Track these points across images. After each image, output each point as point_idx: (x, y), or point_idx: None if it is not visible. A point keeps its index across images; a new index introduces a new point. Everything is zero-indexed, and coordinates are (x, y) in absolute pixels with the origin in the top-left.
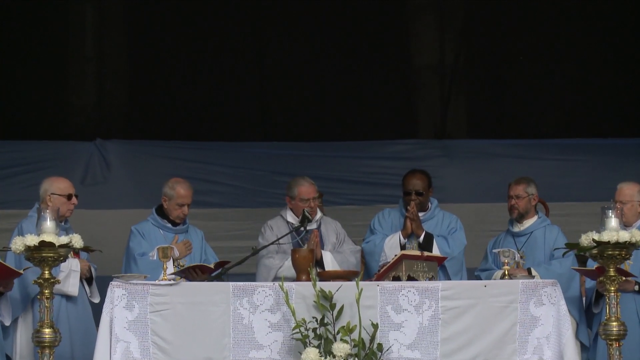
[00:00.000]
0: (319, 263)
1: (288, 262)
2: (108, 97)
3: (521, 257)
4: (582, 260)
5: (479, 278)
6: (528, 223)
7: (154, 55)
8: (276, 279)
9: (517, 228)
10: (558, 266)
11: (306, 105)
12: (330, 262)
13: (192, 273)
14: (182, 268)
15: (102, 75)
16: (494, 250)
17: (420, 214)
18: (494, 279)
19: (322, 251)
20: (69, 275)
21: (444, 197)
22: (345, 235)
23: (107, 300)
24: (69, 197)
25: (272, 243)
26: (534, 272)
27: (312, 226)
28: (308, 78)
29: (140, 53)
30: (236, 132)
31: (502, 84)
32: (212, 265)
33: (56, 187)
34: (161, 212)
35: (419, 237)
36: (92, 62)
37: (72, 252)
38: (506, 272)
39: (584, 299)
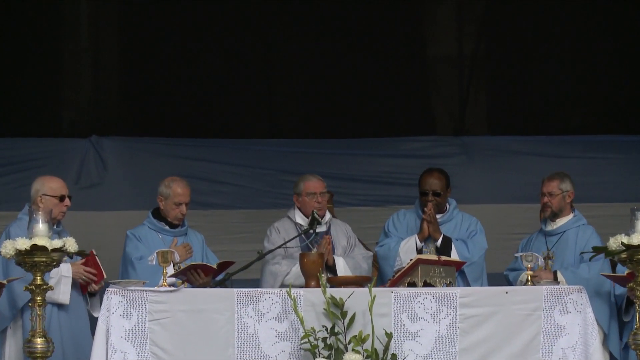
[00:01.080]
0: (331, 269)
1: (296, 269)
2: (104, 91)
3: (550, 258)
4: (614, 264)
5: (506, 278)
6: (561, 222)
7: (153, 47)
8: (283, 286)
9: (550, 227)
10: (586, 270)
11: (315, 99)
12: (343, 269)
13: (194, 274)
14: (180, 269)
15: (98, 67)
16: (516, 255)
17: (437, 216)
18: (521, 281)
19: (335, 256)
20: (60, 282)
21: (463, 197)
22: (356, 240)
23: (103, 307)
24: (62, 198)
25: (279, 247)
26: (560, 276)
27: (321, 228)
28: (317, 71)
29: (138, 45)
30: (241, 128)
31: (525, 76)
32: (214, 266)
33: (48, 187)
34: (158, 214)
35: (437, 240)
36: (87, 54)
37: (80, 257)
38: (529, 278)
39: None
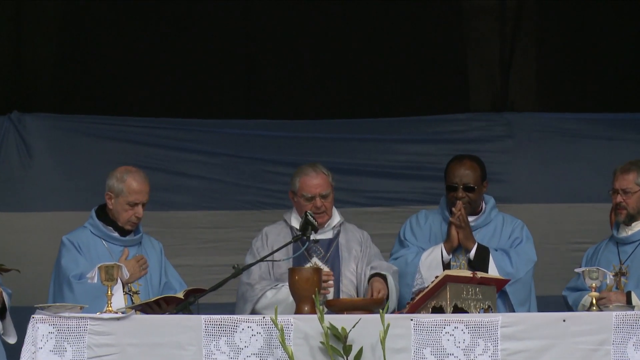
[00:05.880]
0: None
1: (272, 294)
2: (30, 53)
3: (623, 274)
4: None
5: (565, 300)
6: (638, 227)
7: None
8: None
9: (624, 233)
10: None
11: (308, 68)
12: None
13: (154, 307)
14: (139, 303)
15: (22, 22)
16: (576, 270)
17: (470, 219)
18: (583, 305)
19: (387, 274)
20: None
21: (504, 194)
22: (372, 251)
23: (27, 340)
24: None
25: (261, 260)
26: (634, 298)
27: (327, 234)
28: (311, 28)
29: None
30: (214, 105)
31: (586, 34)
32: (181, 295)
33: None
34: (104, 215)
35: (469, 251)
36: (8, 3)
37: None
38: (594, 302)
39: None
